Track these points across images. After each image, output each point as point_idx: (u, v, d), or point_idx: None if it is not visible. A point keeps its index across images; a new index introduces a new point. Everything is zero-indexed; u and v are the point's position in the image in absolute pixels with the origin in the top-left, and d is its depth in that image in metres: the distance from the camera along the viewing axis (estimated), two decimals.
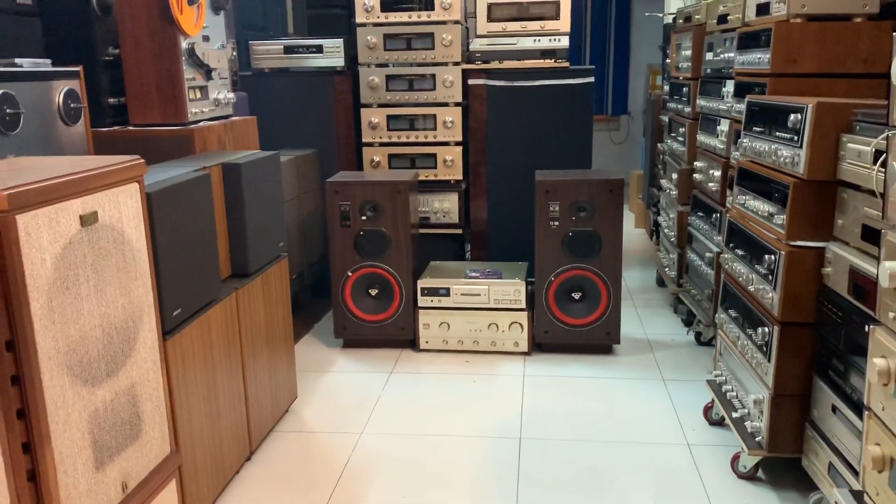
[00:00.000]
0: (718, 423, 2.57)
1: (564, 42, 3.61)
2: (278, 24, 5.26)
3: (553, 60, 3.61)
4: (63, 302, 1.40)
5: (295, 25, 5.62)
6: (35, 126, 2.06)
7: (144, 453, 1.67)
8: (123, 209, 1.60)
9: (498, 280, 3.17)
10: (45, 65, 2.13)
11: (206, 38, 2.68)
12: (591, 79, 3.60)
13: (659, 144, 4.41)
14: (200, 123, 2.62)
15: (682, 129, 3.56)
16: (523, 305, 3.15)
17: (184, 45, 2.52)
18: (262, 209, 2.42)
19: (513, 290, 3.14)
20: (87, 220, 1.47)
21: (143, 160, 1.67)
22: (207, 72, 2.67)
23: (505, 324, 3.16)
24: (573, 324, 3.14)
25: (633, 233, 5.50)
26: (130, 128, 2.57)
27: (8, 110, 1.93)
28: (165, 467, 1.76)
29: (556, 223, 3.05)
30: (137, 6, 2.47)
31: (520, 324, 3.16)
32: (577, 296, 3.12)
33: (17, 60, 2.03)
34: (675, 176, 3.61)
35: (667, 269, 3.78)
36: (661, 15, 5.45)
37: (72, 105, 2.20)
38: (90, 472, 1.48)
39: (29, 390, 1.32)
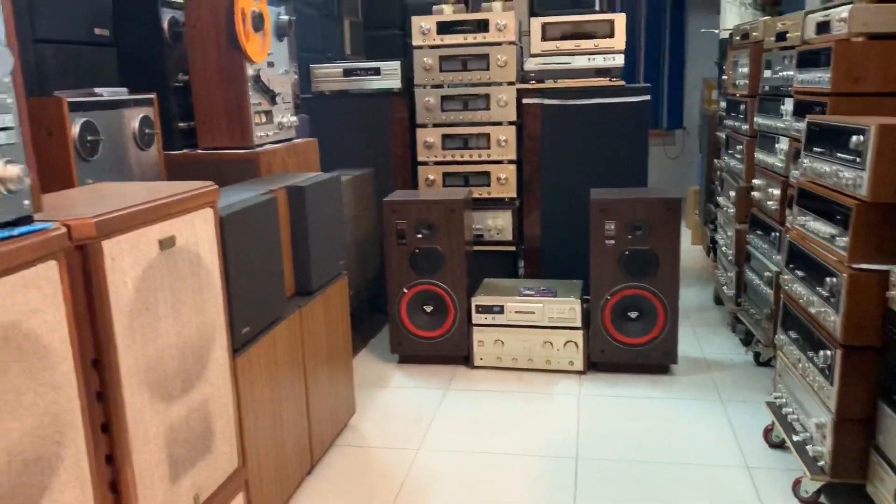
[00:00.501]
0: (779, 445, 2.53)
1: (619, 60, 3.62)
2: (336, 46, 5.39)
3: (608, 79, 3.62)
4: (143, 322, 1.48)
5: (352, 47, 5.76)
6: (112, 151, 2.17)
7: (215, 467, 1.74)
8: (199, 233, 1.68)
9: (553, 298, 3.18)
10: (122, 93, 2.25)
11: (270, 64, 2.78)
12: (647, 97, 3.60)
13: (716, 161, 4.37)
14: (265, 146, 2.72)
15: (739, 147, 3.53)
16: (578, 324, 3.16)
17: (250, 71, 2.62)
18: (324, 229, 2.49)
19: (568, 308, 3.15)
20: (166, 244, 1.55)
21: (216, 186, 1.75)
22: (272, 97, 2.77)
23: (560, 342, 3.17)
24: (629, 343, 3.13)
25: (689, 249, 5.44)
26: (199, 151, 2.68)
27: (89, 137, 2.05)
28: (234, 481, 1.83)
29: (612, 242, 3.05)
30: (206, 34, 2.58)
31: (575, 342, 3.16)
32: (633, 315, 3.11)
33: (97, 90, 2.15)
34: (732, 193, 3.58)
35: (724, 288, 3.73)
36: (716, 31, 5.40)
37: (146, 131, 2.32)
38: (166, 484, 1.55)
39: (112, 406, 1.40)
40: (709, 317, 3.95)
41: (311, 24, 4.80)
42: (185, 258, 1.62)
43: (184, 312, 1.62)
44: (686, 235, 5.70)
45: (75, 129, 2.00)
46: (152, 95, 2.36)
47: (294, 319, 2.28)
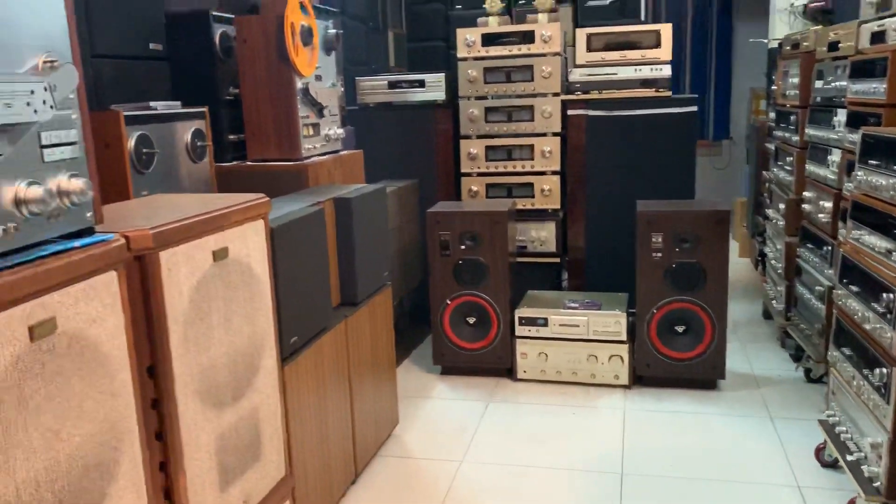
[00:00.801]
0: (831, 465, 2.47)
1: (666, 71, 3.59)
2: (380, 58, 5.44)
3: (654, 90, 3.59)
4: (197, 332, 1.51)
5: (396, 58, 5.81)
6: (166, 163, 2.23)
7: (263, 475, 1.77)
8: (250, 244, 1.71)
9: (598, 311, 3.16)
10: (175, 107, 2.31)
11: (318, 78, 2.82)
12: (695, 108, 3.56)
13: (764, 172, 4.29)
14: (312, 158, 2.76)
15: (789, 158, 3.46)
16: (624, 338, 3.12)
17: (299, 85, 2.67)
18: (370, 240, 2.51)
19: (613, 321, 3.12)
20: (219, 255, 1.58)
21: (268, 198, 1.78)
22: (319, 110, 2.81)
23: (605, 356, 3.14)
24: (676, 357, 3.08)
25: (737, 262, 5.34)
26: (249, 163, 2.73)
27: (144, 150, 2.10)
28: (281, 489, 1.85)
29: (659, 254, 3.02)
30: (257, 49, 2.64)
31: (620, 356, 3.13)
32: (680, 329, 3.06)
33: (152, 104, 2.21)
34: (782, 206, 3.51)
35: (774, 302, 3.66)
36: (765, 41, 5.32)
37: (198, 143, 2.37)
38: (216, 492, 1.58)
39: (166, 414, 1.43)
40: (757, 331, 3.87)
41: (355, 36, 4.86)
42: (237, 269, 1.65)
43: (235, 322, 1.64)
44: (733, 248, 5.60)
45: (131, 142, 2.05)
46: (204, 109, 2.42)
47: (340, 329, 2.30)
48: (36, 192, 1.09)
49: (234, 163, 2.75)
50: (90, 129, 1.27)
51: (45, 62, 1.13)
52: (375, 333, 2.60)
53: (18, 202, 1.08)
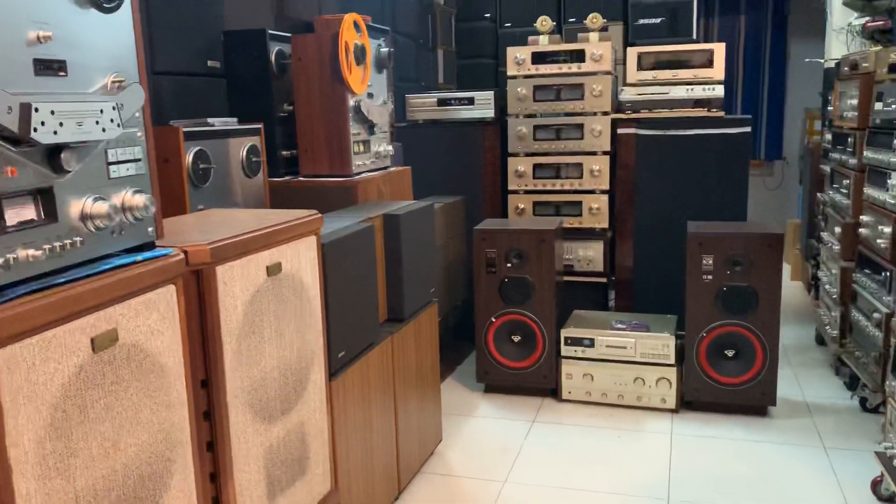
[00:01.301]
0: (888, 499, 2.38)
1: (719, 91, 3.54)
2: (429, 74, 5.49)
3: (707, 110, 3.54)
4: (249, 345, 1.53)
5: (445, 75, 5.85)
6: (221, 178, 2.28)
7: (309, 489, 1.78)
8: (302, 259, 1.73)
9: (645, 333, 3.11)
10: (231, 123, 2.36)
11: (370, 96, 2.86)
12: (748, 129, 3.50)
13: (819, 194, 4.19)
14: (362, 175, 2.79)
15: (846, 182, 3.38)
16: (672, 361, 3.07)
17: (351, 102, 2.70)
18: (417, 257, 2.53)
19: (661, 344, 3.07)
20: (273, 270, 1.61)
21: (320, 215, 1.81)
22: (370, 127, 2.84)
23: (652, 379, 3.09)
24: (725, 382, 3.02)
25: (789, 285, 5.22)
26: (301, 178, 2.77)
27: (201, 165, 2.15)
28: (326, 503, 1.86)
29: (710, 277, 2.96)
30: (311, 67, 2.68)
31: (668, 380, 3.08)
32: (730, 353, 3.00)
33: (210, 120, 2.26)
34: (837, 229, 3.42)
35: (827, 328, 3.56)
36: (821, 61, 5.21)
37: (253, 159, 2.42)
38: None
39: (218, 425, 1.46)
40: (810, 357, 3.76)
41: (406, 53, 4.91)
42: (289, 284, 1.67)
43: (286, 336, 1.67)
44: (785, 270, 5.47)
45: (189, 157, 2.11)
46: (259, 125, 2.47)
47: (386, 345, 2.31)
48: (101, 207, 1.13)
49: (287, 178, 2.79)
50: (154, 145, 1.31)
51: (113, 82, 1.17)
52: (421, 350, 2.60)
53: (85, 217, 1.12)
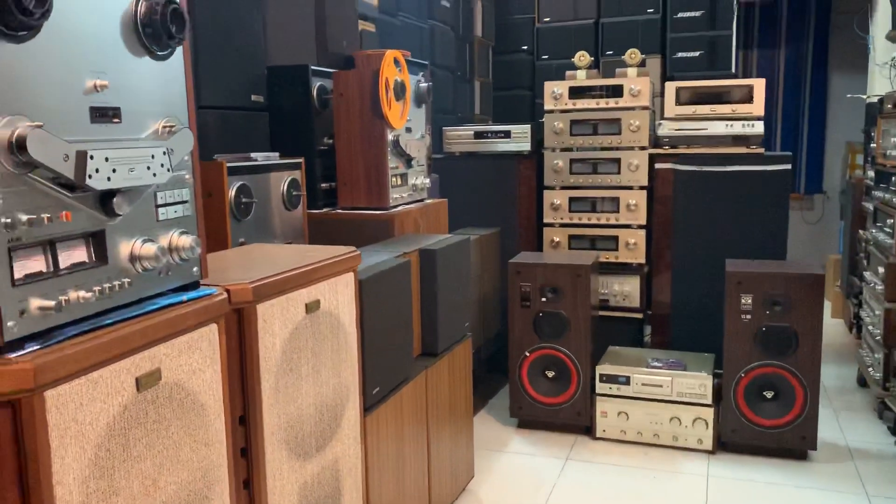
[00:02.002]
0: None
1: (759, 128, 3.51)
2: (466, 106, 5.54)
3: (746, 147, 3.51)
4: (287, 382, 1.55)
5: (482, 107, 5.90)
6: (262, 211, 2.32)
7: None
8: (340, 296, 1.75)
9: (682, 372, 3.07)
10: (273, 157, 2.41)
11: (408, 130, 2.89)
12: (788, 166, 3.46)
13: (861, 231, 4.11)
14: (399, 207, 2.82)
15: (889, 220, 3.32)
16: (709, 401, 3.02)
17: (389, 137, 2.74)
18: (453, 291, 2.53)
19: (698, 383, 3.02)
20: (311, 307, 1.63)
21: (358, 252, 1.82)
22: (408, 160, 2.87)
23: (688, 419, 3.04)
24: (764, 424, 2.95)
25: (829, 323, 5.10)
26: (339, 210, 2.81)
27: (243, 199, 2.19)
28: None
29: (748, 317, 2.92)
30: (352, 102, 2.73)
31: (704, 420, 3.02)
32: (769, 394, 2.94)
33: (252, 155, 2.31)
34: (881, 269, 3.35)
35: (870, 370, 3.47)
36: (863, 96, 5.15)
37: (294, 193, 2.46)
38: None
39: (254, 462, 1.47)
40: (852, 399, 3.67)
41: (443, 85, 4.96)
42: (327, 321, 1.69)
43: (323, 373, 1.68)
44: (826, 307, 5.36)
45: (232, 192, 2.15)
46: (300, 160, 2.51)
47: (420, 380, 2.31)
48: (150, 249, 1.16)
49: (325, 210, 2.83)
50: (200, 187, 1.34)
51: (164, 126, 1.21)
52: (454, 385, 2.60)
53: (133, 258, 1.15)
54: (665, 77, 5.57)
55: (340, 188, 2.80)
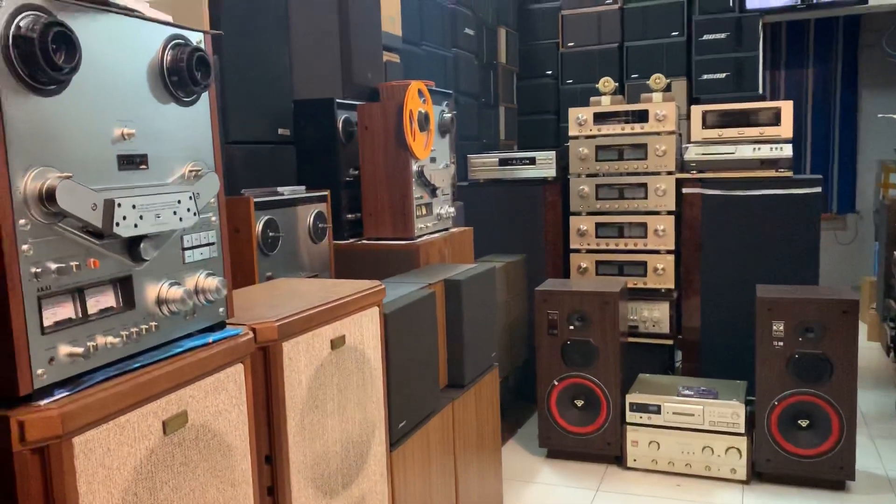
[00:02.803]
0: None
1: (787, 151, 3.47)
2: (491, 132, 5.56)
3: (775, 170, 3.47)
4: (313, 419, 1.55)
5: (506, 132, 5.92)
6: (289, 245, 2.34)
7: None
8: (365, 331, 1.75)
9: (714, 400, 3.01)
10: (300, 191, 2.43)
11: (433, 160, 2.91)
12: (818, 189, 3.41)
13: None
14: (424, 237, 2.82)
15: None
16: (742, 430, 2.96)
17: (414, 167, 2.75)
18: (478, 321, 2.52)
19: (730, 412, 2.97)
20: (337, 343, 1.63)
21: (383, 286, 1.83)
22: (433, 190, 2.88)
23: (721, 448, 2.98)
24: (799, 454, 2.89)
25: (865, 346, 4.99)
26: (364, 241, 2.82)
27: (270, 234, 2.21)
28: None
29: (780, 343, 2.87)
30: (377, 133, 2.75)
31: (738, 449, 2.96)
32: (804, 423, 2.87)
33: (279, 189, 2.34)
34: None
35: None
36: (895, 116, 5.07)
37: (320, 225, 2.48)
38: None
39: (281, 500, 1.47)
40: (891, 427, 3.57)
41: (467, 111, 4.99)
42: (352, 356, 1.69)
43: (348, 409, 1.68)
44: (861, 329, 5.25)
45: (259, 227, 2.17)
46: (326, 192, 2.53)
47: (447, 412, 2.30)
48: (177, 293, 1.17)
49: (351, 240, 2.85)
50: (227, 227, 1.35)
51: (190, 170, 1.23)
52: (481, 416, 2.58)
53: (160, 302, 1.16)
54: (691, 99, 5.55)
55: (366, 219, 2.82)
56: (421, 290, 2.18)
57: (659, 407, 3.08)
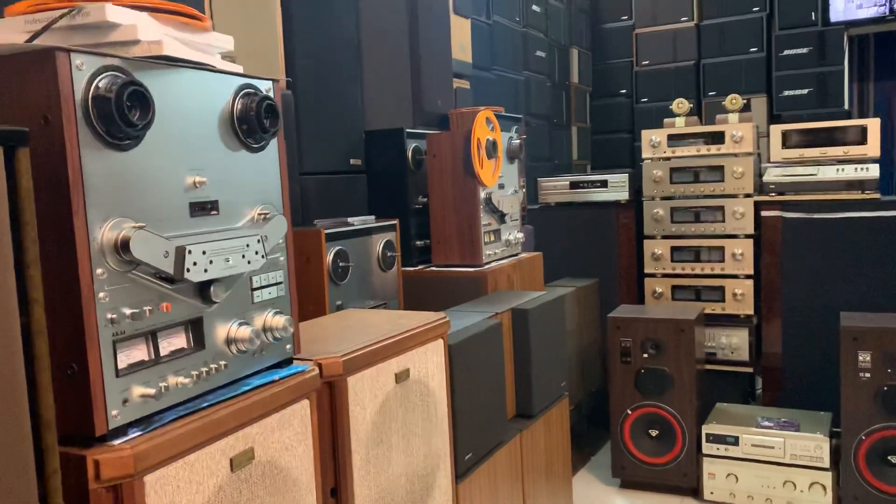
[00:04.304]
0: None
1: (874, 171, 3.32)
2: (563, 152, 5.53)
3: (860, 192, 3.32)
4: (378, 453, 1.57)
5: (579, 152, 5.88)
6: (359, 274, 2.38)
7: None
8: (430, 364, 1.77)
9: (795, 433, 2.89)
10: (369, 221, 2.47)
11: (501, 186, 2.91)
12: None
13: None
14: (493, 264, 2.83)
15: None
16: (826, 465, 2.82)
17: (482, 194, 2.77)
18: (547, 350, 2.50)
19: (813, 445, 2.84)
20: (402, 376, 1.65)
21: (448, 318, 1.84)
22: (501, 216, 2.89)
23: (804, 483, 2.85)
24: (891, 493, 2.73)
25: None
26: (433, 268, 2.85)
27: (340, 264, 2.26)
28: None
29: (867, 375, 2.73)
30: (444, 161, 2.78)
31: (822, 485, 2.82)
32: (894, 460, 2.72)
33: (349, 220, 2.39)
34: None
35: None
36: None
37: (388, 254, 2.52)
38: None
39: None
40: None
41: (538, 133, 4.98)
42: (416, 389, 1.71)
43: (413, 442, 1.69)
44: None
45: (329, 257, 2.22)
46: (395, 221, 2.57)
47: (514, 443, 2.28)
48: (245, 332, 1.21)
49: (420, 267, 2.88)
50: (295, 260, 1.40)
51: (259, 214, 1.27)
52: (551, 447, 2.55)
53: (229, 341, 1.21)
54: (771, 117, 5.38)
55: (434, 246, 2.84)
56: (487, 320, 2.18)
57: (737, 438, 2.97)
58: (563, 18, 5.54)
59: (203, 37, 1.19)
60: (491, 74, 4.28)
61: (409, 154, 2.87)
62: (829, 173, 3.39)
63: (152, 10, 1.08)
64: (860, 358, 2.74)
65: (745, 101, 3.62)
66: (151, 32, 1.05)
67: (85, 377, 0.97)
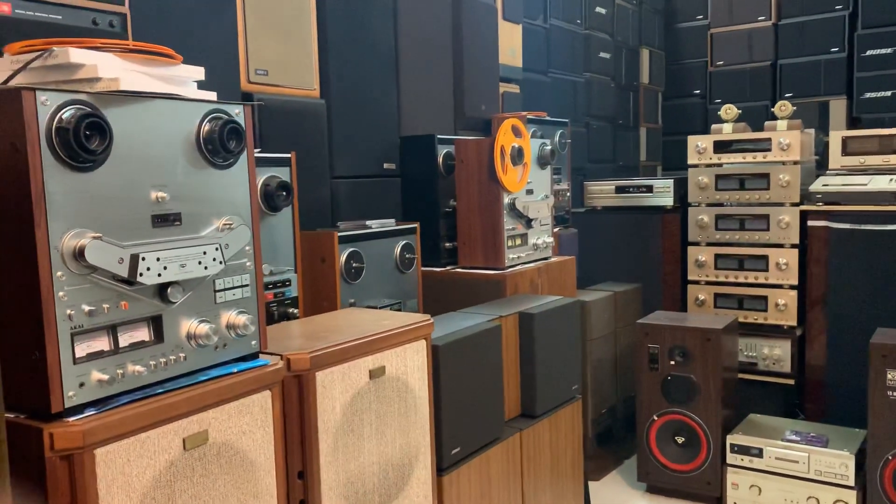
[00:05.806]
0: None
1: None
2: (629, 153, 5.50)
3: None
4: (347, 442, 1.71)
5: (647, 153, 5.82)
6: (374, 274, 2.53)
7: None
8: (409, 362, 1.89)
9: (821, 448, 2.83)
10: (389, 224, 2.62)
11: (529, 192, 2.99)
12: None
13: None
14: (516, 267, 2.91)
15: None
16: (851, 483, 2.76)
17: (506, 200, 2.86)
18: (556, 354, 2.57)
19: (838, 462, 2.78)
20: (376, 373, 1.79)
21: (432, 320, 1.96)
22: (527, 221, 2.97)
23: (827, 499, 2.80)
24: None
25: None
26: (458, 269, 2.96)
27: (353, 264, 2.42)
28: None
29: (895, 394, 2.64)
30: (471, 167, 2.89)
31: (846, 503, 2.76)
32: None
33: (367, 222, 2.54)
34: None
35: None
36: None
37: (407, 255, 2.65)
38: None
39: None
40: None
41: (599, 134, 4.98)
42: (393, 385, 1.84)
43: (388, 434, 1.83)
44: None
45: (342, 258, 2.38)
46: (415, 225, 2.70)
47: (513, 442, 2.37)
48: (203, 328, 1.38)
49: (447, 267, 3.00)
50: (305, 246, 1.56)
51: (225, 224, 1.43)
52: (557, 449, 2.62)
53: (189, 336, 1.38)
54: (851, 119, 5.17)
55: (460, 248, 2.96)
56: (485, 323, 2.29)
57: (761, 450, 2.94)
58: (633, 19, 5.50)
59: (173, 70, 1.36)
60: (547, 77, 4.33)
61: (441, 159, 2.99)
62: (880, 184, 3.27)
63: (120, 50, 1.25)
64: (889, 376, 2.66)
65: (793, 108, 3.53)
66: (111, 70, 1.22)
67: (44, 363, 1.16)
